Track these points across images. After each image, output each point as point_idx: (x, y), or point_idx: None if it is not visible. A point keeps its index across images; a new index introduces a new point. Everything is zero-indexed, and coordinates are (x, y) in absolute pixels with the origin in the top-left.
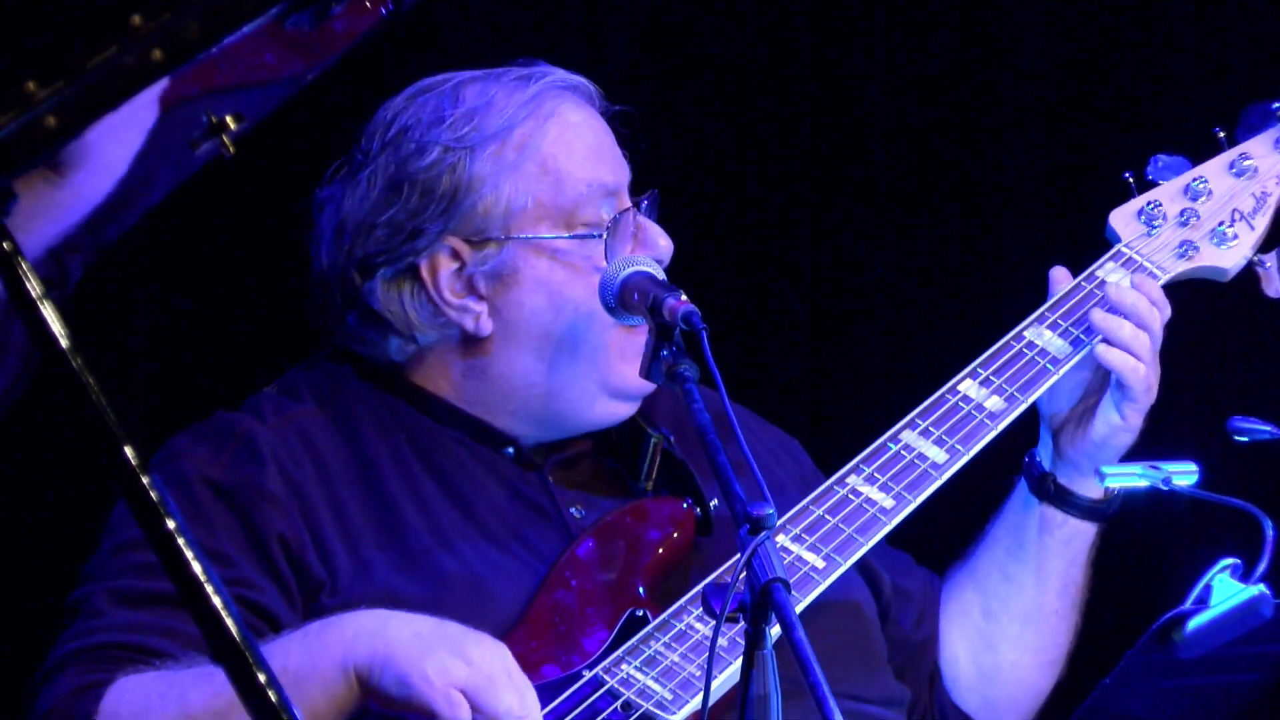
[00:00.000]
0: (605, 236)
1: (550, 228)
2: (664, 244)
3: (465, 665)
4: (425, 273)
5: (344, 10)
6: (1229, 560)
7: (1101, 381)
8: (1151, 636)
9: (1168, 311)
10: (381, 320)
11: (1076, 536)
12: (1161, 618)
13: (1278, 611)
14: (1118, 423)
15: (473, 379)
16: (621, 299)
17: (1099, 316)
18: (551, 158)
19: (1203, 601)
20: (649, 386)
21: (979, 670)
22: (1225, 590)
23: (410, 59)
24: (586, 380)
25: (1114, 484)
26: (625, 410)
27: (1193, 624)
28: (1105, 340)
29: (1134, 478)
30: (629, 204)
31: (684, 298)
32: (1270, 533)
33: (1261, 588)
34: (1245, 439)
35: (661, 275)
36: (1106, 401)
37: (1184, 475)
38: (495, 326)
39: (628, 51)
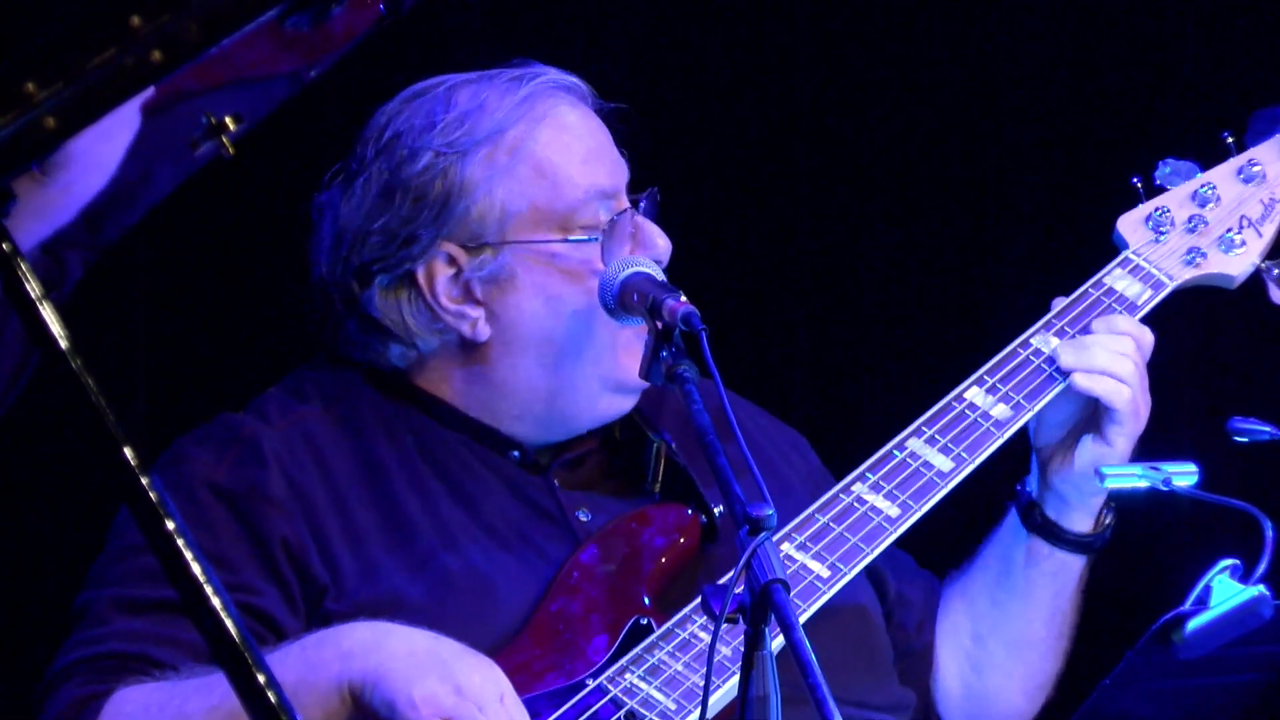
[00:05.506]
0: (601, 240)
1: (546, 231)
2: (662, 244)
3: (454, 693)
4: (422, 279)
5: (343, 10)
6: (1229, 561)
7: (1090, 414)
8: (1151, 637)
9: (1149, 337)
10: (381, 327)
11: (1064, 569)
12: (1161, 618)
13: (1277, 612)
14: (1104, 450)
15: (476, 384)
16: (621, 300)
17: (1068, 357)
18: (546, 161)
19: (1202, 602)
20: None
21: (966, 691)
22: (1225, 591)
23: (410, 60)
24: (590, 380)
25: (1114, 484)
26: (627, 404)
27: (1192, 625)
28: (1083, 372)
29: (1134, 478)
30: (626, 205)
31: (684, 299)
32: (1270, 533)
33: (1261, 588)
34: (1245, 439)
35: (661, 276)
36: (1090, 427)
37: (1184, 475)
38: (494, 332)
39: (628, 51)
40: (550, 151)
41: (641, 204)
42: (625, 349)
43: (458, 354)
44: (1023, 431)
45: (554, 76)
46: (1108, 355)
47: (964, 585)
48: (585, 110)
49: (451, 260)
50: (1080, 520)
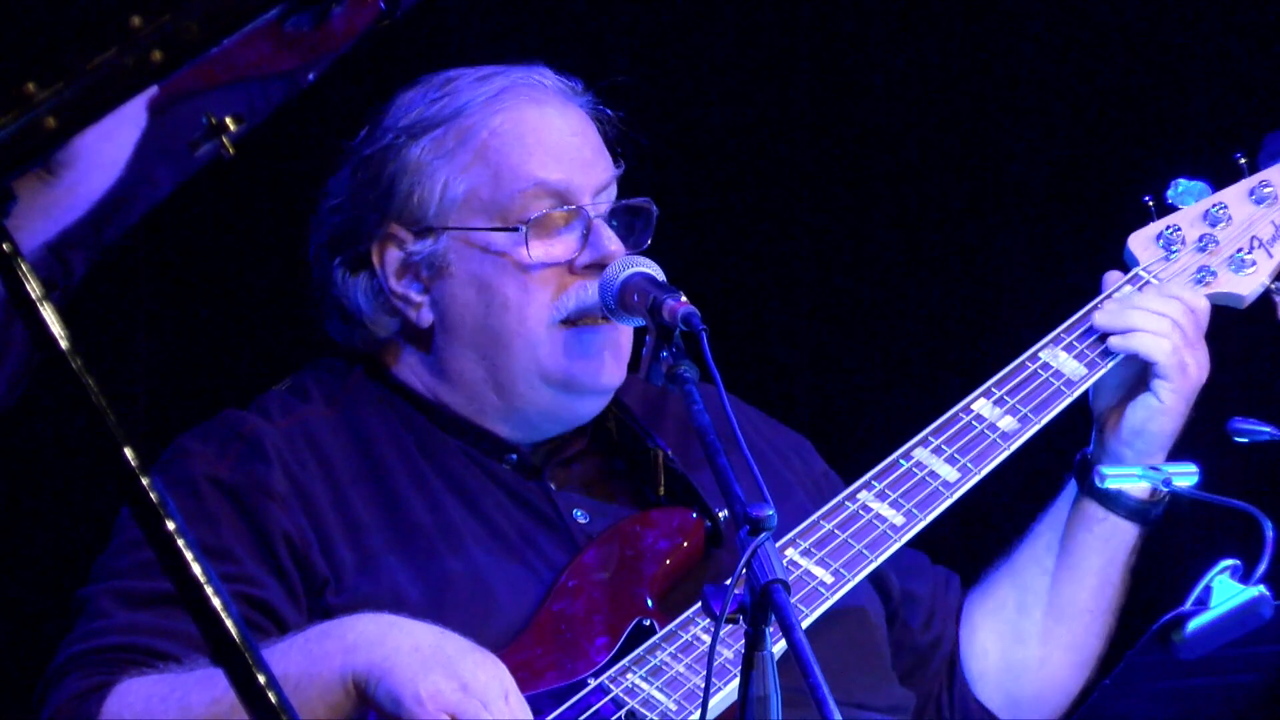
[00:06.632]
0: (526, 232)
1: (484, 220)
2: (613, 248)
3: (459, 689)
4: (375, 259)
5: (343, 9)
6: (1229, 561)
7: (1144, 375)
8: (1151, 637)
9: (1202, 303)
10: (342, 309)
11: (1116, 535)
12: (1161, 618)
13: (1278, 613)
14: (1155, 405)
15: (436, 376)
16: (621, 300)
17: (1104, 318)
18: (493, 149)
19: (1203, 602)
20: (609, 382)
21: (1007, 665)
22: (1225, 591)
23: (411, 61)
24: (529, 374)
25: (1114, 484)
26: (587, 406)
27: (1193, 625)
28: (1117, 333)
29: (1134, 478)
30: (582, 204)
31: (684, 299)
32: (1270, 533)
33: (1261, 589)
34: (1245, 439)
35: (661, 276)
36: (1145, 387)
37: (1184, 475)
38: (435, 318)
39: (632, 50)
40: (499, 141)
41: (598, 207)
42: (567, 350)
43: (412, 341)
44: (1042, 433)
45: (540, 76)
46: (1143, 314)
47: (1011, 562)
48: (563, 108)
49: (400, 243)
50: (1138, 485)
